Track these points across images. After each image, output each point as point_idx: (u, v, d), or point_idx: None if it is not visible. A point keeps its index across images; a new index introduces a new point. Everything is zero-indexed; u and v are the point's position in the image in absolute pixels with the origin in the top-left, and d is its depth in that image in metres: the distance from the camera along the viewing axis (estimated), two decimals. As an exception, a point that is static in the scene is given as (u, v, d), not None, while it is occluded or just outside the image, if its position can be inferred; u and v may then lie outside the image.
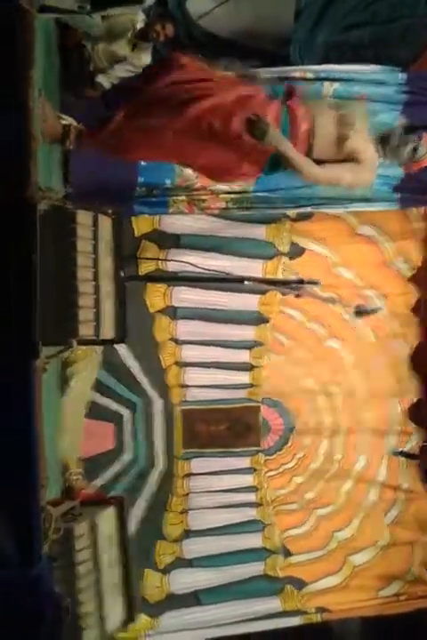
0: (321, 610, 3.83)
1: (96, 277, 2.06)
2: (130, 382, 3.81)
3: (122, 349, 3.77)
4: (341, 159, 2.44)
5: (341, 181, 2.47)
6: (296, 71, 3.14)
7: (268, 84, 2.66)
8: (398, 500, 4.01)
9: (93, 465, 3.58)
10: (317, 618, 3.83)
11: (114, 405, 3.81)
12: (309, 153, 2.43)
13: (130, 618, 2.02)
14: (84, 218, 2.03)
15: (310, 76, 3.09)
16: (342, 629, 3.96)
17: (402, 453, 2.96)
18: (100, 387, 3.66)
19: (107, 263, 2.12)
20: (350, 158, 2.43)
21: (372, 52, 3.47)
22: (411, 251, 3.80)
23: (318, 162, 2.45)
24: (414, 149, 2.49)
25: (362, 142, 2.46)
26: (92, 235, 2.05)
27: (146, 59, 3.71)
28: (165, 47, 3.93)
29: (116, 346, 3.73)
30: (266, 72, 3.12)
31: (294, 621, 3.81)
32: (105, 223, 2.11)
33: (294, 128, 2.40)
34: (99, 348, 3.14)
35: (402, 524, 3.98)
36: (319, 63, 3.30)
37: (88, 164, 2.76)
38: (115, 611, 2.00)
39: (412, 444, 3.94)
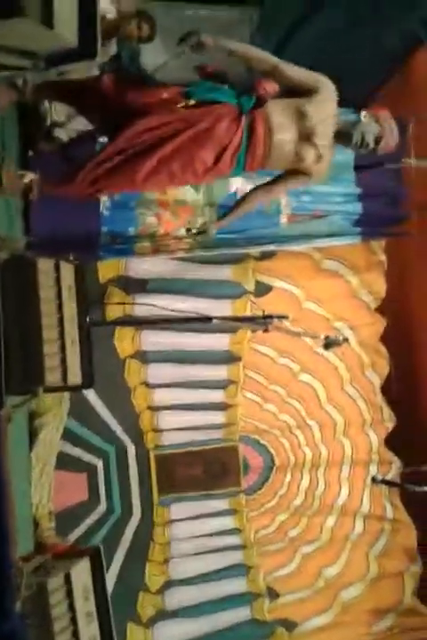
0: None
1: (61, 323, 2.05)
2: (101, 430, 3.75)
3: (92, 396, 3.72)
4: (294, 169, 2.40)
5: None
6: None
7: None
8: (385, 531, 3.99)
9: (67, 517, 3.49)
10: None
11: (86, 455, 3.73)
12: (264, 164, 2.38)
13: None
14: (45, 265, 2.03)
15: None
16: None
17: (383, 481, 2.95)
18: (70, 436, 3.59)
19: (71, 309, 2.12)
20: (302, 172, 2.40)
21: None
22: (375, 282, 3.88)
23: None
24: (377, 141, 2.39)
25: (317, 158, 2.38)
26: (55, 281, 2.05)
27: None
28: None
29: (85, 393, 3.70)
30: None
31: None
32: (67, 269, 2.11)
33: (252, 127, 2.31)
34: (67, 397, 3.09)
35: (390, 554, 3.96)
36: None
37: (49, 214, 2.79)
38: (94, 667, 1.91)
39: (392, 473, 3.94)
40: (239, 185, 3.08)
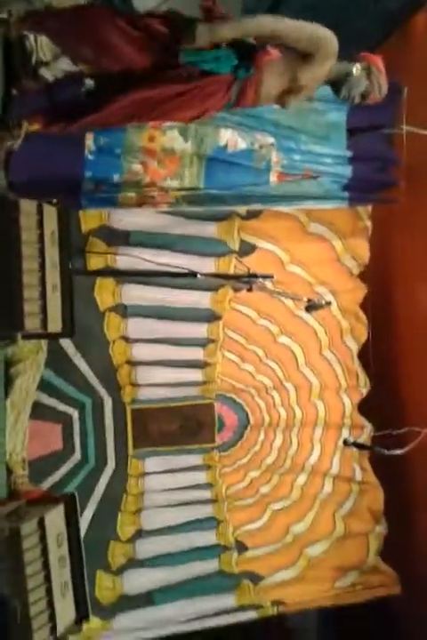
0: (277, 603, 3.86)
1: (42, 269, 2.00)
2: (78, 381, 3.73)
3: (70, 348, 3.69)
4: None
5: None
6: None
7: None
8: (353, 492, 4.09)
9: (41, 466, 3.49)
10: (273, 611, 3.86)
11: (61, 406, 3.72)
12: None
13: (81, 616, 1.97)
14: (27, 207, 1.96)
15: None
16: (298, 622, 4.01)
17: (354, 444, 3.02)
18: (46, 386, 3.56)
19: (53, 254, 2.06)
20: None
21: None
22: (359, 248, 3.88)
23: None
24: (363, 97, 2.38)
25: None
26: (37, 224, 1.99)
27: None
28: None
29: (63, 345, 3.66)
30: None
31: (250, 616, 3.83)
32: (50, 213, 2.05)
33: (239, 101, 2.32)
34: (44, 346, 3.05)
35: (356, 515, 4.07)
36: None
37: (31, 155, 2.69)
38: (66, 610, 1.94)
39: (364, 438, 4.03)
40: (229, 136, 3.01)
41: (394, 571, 3.92)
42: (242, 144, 3.03)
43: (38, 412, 3.47)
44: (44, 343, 3.18)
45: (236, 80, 2.28)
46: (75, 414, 3.75)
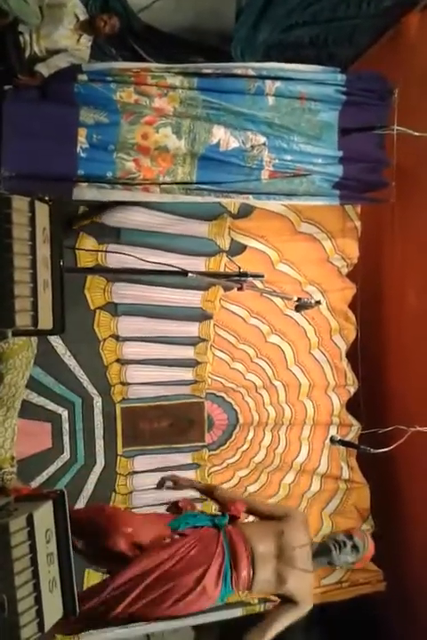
0: (264, 600, 3.87)
1: (33, 266, 1.99)
2: (68, 380, 3.72)
3: (60, 347, 3.68)
4: (279, 594, 2.66)
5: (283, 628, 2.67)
6: (238, 68, 3.16)
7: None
8: (340, 490, 4.12)
9: (29, 465, 3.48)
10: (259, 608, 3.87)
11: (51, 404, 3.71)
12: (250, 588, 2.63)
13: (69, 613, 1.97)
14: (19, 203, 1.95)
15: (251, 73, 3.11)
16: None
17: (340, 442, 3.05)
18: (35, 385, 3.56)
19: (45, 251, 2.05)
20: (288, 597, 2.64)
21: (312, 52, 3.57)
22: (348, 248, 3.90)
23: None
24: (354, 547, 2.70)
25: (299, 582, 2.63)
26: (29, 221, 1.98)
27: (86, 51, 3.66)
28: (107, 42, 3.89)
29: (53, 343, 3.66)
30: (208, 67, 3.14)
31: (237, 613, 3.84)
32: (42, 210, 2.04)
33: (232, 545, 2.61)
34: (34, 344, 3.04)
35: (343, 513, 4.10)
36: (261, 61, 3.35)
37: (23, 149, 2.68)
38: (54, 606, 1.94)
39: (351, 436, 4.07)
40: (222, 135, 3.02)
41: (379, 568, 3.95)
42: (234, 143, 3.04)
43: (28, 410, 3.46)
44: (33, 340, 3.17)
45: (220, 531, 2.66)
46: (64, 413, 3.75)
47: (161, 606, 2.51)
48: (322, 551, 2.70)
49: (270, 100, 3.13)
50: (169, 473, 3.01)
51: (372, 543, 2.74)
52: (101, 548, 2.60)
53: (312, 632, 4.10)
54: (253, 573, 2.59)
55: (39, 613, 1.88)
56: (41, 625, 1.88)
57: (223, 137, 3.01)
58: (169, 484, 2.64)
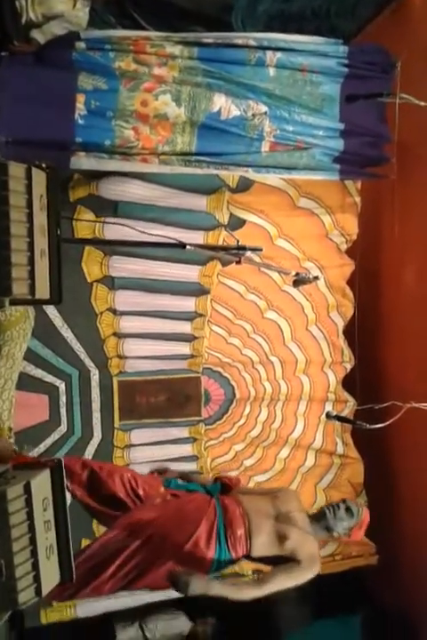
0: (258, 572, 3.92)
1: (30, 234, 1.97)
2: (65, 353, 3.73)
3: (58, 320, 3.68)
4: (283, 555, 2.55)
5: (283, 587, 2.56)
6: (238, 38, 3.10)
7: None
8: (334, 465, 4.17)
9: (27, 437, 3.50)
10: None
11: (48, 377, 3.72)
12: (249, 551, 2.56)
13: (66, 579, 2.00)
14: (16, 170, 1.92)
15: (252, 43, 3.05)
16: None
17: (336, 417, 3.07)
18: (33, 357, 3.56)
19: (42, 219, 2.02)
20: (291, 558, 2.55)
21: (314, 24, 3.51)
22: (348, 224, 3.88)
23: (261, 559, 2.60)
24: (348, 510, 2.69)
25: (301, 538, 2.57)
26: (26, 189, 1.96)
27: (84, 18, 3.58)
28: (105, 10, 3.80)
29: (50, 316, 3.65)
30: (208, 37, 3.08)
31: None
32: (39, 177, 2.01)
33: (225, 507, 2.59)
34: (32, 316, 3.03)
35: (337, 487, 4.15)
36: (262, 32, 3.29)
37: (19, 115, 2.64)
38: (51, 572, 1.96)
39: (347, 412, 4.10)
40: (223, 102, 2.97)
41: (372, 542, 4.01)
42: (235, 111, 3.00)
43: (25, 382, 3.47)
44: (31, 312, 3.16)
45: (213, 497, 2.65)
46: (61, 386, 3.76)
47: (153, 566, 2.49)
48: (318, 517, 2.69)
49: (271, 71, 3.08)
50: (159, 465, 3.03)
51: (366, 511, 2.75)
52: (101, 495, 2.59)
53: (303, 602, 4.18)
54: (251, 533, 2.53)
55: (36, 579, 1.90)
56: (38, 590, 1.91)
57: (224, 105, 2.97)
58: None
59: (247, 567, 3.91)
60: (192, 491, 2.73)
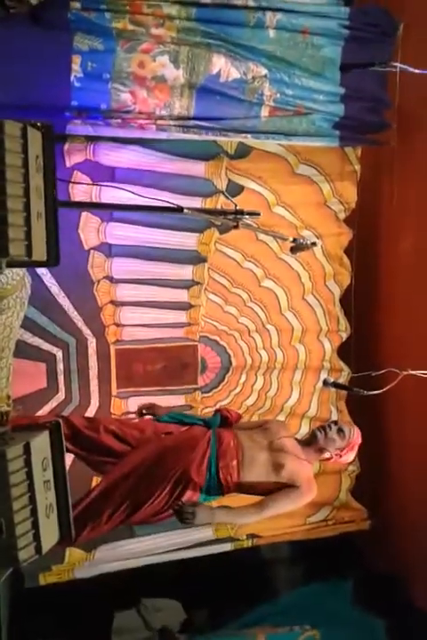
0: (252, 536, 4.00)
1: (26, 195, 1.94)
2: (63, 321, 3.71)
3: (54, 287, 3.66)
4: (281, 483, 2.55)
5: (282, 512, 2.58)
6: (238, -1, 3.05)
7: None
8: (328, 433, 4.20)
9: (25, 404, 3.51)
10: (248, 544, 4.01)
11: (45, 345, 3.72)
12: (239, 480, 2.55)
13: (65, 538, 2.03)
14: (12, 128, 1.88)
15: (251, 3, 2.99)
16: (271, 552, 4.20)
17: (333, 384, 3.09)
18: (30, 325, 3.55)
19: (38, 180, 1.99)
20: (289, 483, 2.54)
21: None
22: (347, 192, 3.86)
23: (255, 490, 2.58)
24: (340, 430, 2.66)
25: (296, 464, 2.57)
26: (22, 148, 1.92)
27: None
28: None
29: (47, 284, 3.63)
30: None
31: (226, 547, 3.97)
32: (35, 137, 1.97)
33: (220, 438, 2.59)
34: (28, 283, 3.02)
35: (330, 453, 4.19)
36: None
37: (15, 75, 2.59)
38: (50, 531, 1.99)
39: (342, 381, 4.12)
40: (222, 64, 2.92)
41: (364, 507, 4.08)
42: (235, 73, 2.94)
43: (22, 350, 3.46)
44: (27, 280, 3.15)
45: (210, 429, 2.64)
46: (59, 354, 3.76)
47: (148, 499, 2.50)
48: (309, 440, 2.70)
49: (271, 32, 3.02)
50: (146, 401, 2.96)
51: (358, 432, 2.73)
52: (93, 446, 2.63)
53: (295, 566, 4.28)
54: (243, 464, 2.54)
55: (36, 537, 1.92)
56: (38, 548, 1.93)
57: (224, 67, 2.91)
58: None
59: (241, 532, 3.98)
60: (188, 424, 2.72)
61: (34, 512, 1.92)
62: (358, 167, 3.81)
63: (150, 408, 2.84)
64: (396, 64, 3.00)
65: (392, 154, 3.41)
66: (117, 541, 3.78)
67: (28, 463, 1.93)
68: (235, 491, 2.61)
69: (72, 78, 2.78)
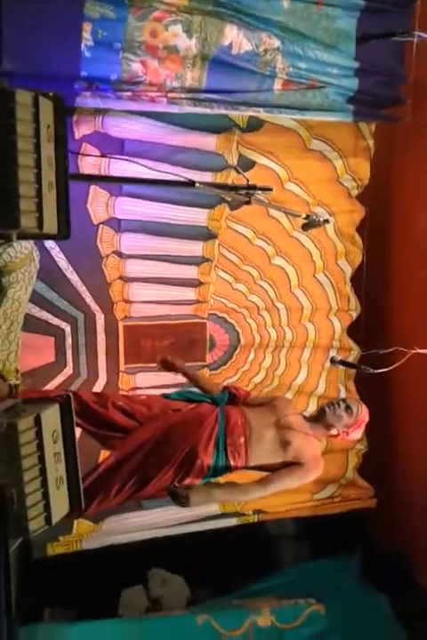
0: (258, 511, 4.02)
1: (38, 165, 1.91)
2: (71, 296, 3.71)
3: (63, 262, 3.65)
4: (287, 461, 2.54)
5: (288, 487, 2.57)
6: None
7: None
8: (336, 411, 4.20)
9: (33, 378, 3.53)
10: (254, 519, 4.04)
11: (54, 319, 3.72)
12: (248, 459, 2.54)
13: (75, 509, 2.05)
14: (23, 98, 1.84)
15: (262, -21, 2.92)
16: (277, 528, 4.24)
17: (341, 362, 3.07)
18: (39, 300, 3.55)
19: (49, 150, 1.96)
20: (295, 461, 2.54)
21: None
22: (360, 169, 3.80)
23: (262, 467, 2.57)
24: (348, 407, 2.64)
25: (303, 441, 2.56)
26: (33, 117, 1.89)
27: None
28: None
29: (56, 258, 3.62)
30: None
31: (232, 522, 4.00)
32: (46, 106, 1.94)
33: (228, 416, 2.57)
34: (37, 258, 3.01)
35: (338, 431, 4.20)
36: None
37: (25, 44, 2.54)
38: (60, 502, 2.01)
39: (351, 360, 4.10)
40: (234, 36, 2.85)
41: (371, 485, 4.09)
42: (247, 45, 2.88)
43: (31, 324, 3.47)
44: (36, 254, 3.14)
45: (218, 406, 2.62)
46: (67, 328, 3.76)
47: (155, 476, 2.51)
48: (318, 417, 2.70)
49: (285, 3, 2.94)
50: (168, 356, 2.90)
51: (365, 410, 2.73)
52: (101, 421, 2.64)
53: (302, 542, 4.32)
54: (251, 442, 2.54)
55: (46, 508, 1.95)
56: (48, 519, 1.95)
57: (236, 38, 2.84)
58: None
59: (247, 507, 4.00)
60: (197, 401, 2.72)
61: (44, 483, 1.94)
62: (371, 143, 3.74)
63: (172, 363, 2.83)
64: (416, 33, 2.91)
65: (406, 129, 3.33)
66: (125, 513, 3.82)
67: (38, 435, 1.95)
68: (242, 468, 2.62)
69: (82, 47, 2.72)
